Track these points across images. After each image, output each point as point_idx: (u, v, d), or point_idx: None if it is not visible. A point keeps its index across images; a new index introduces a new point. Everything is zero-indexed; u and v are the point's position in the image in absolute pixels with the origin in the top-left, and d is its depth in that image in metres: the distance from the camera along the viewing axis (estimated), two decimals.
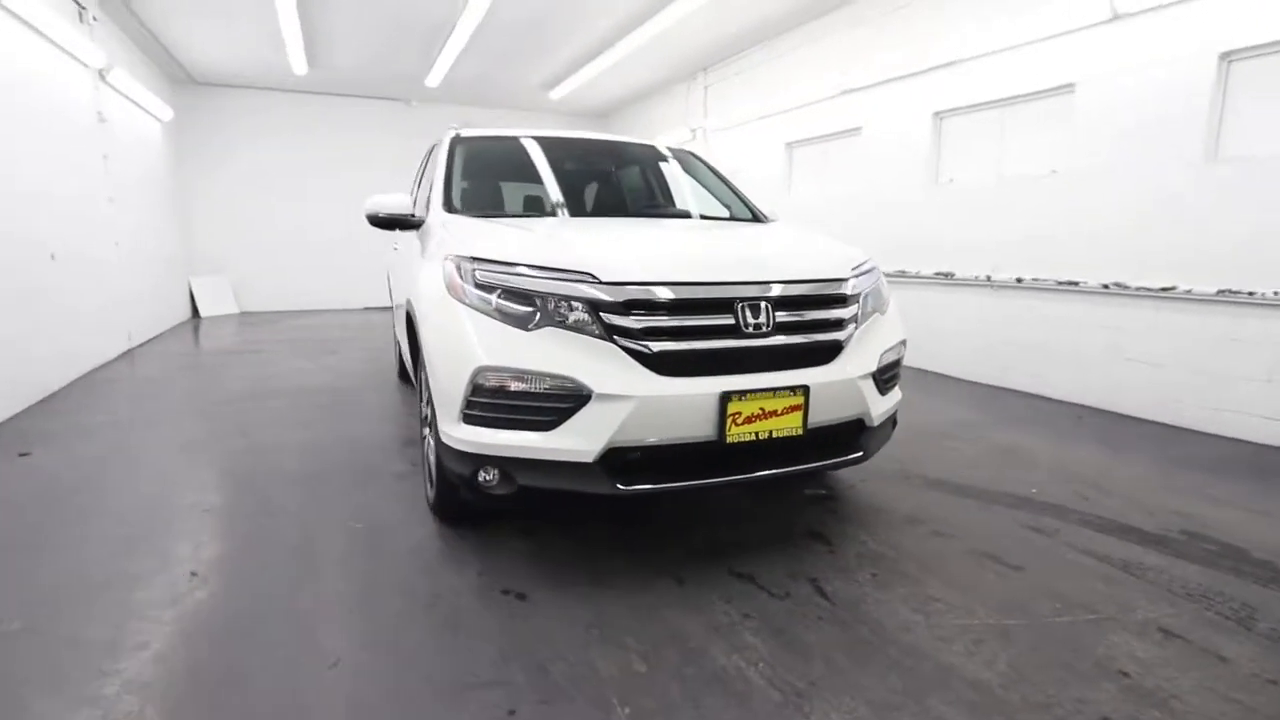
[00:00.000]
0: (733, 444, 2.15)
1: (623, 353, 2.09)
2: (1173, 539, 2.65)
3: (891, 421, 2.72)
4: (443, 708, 1.65)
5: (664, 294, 2.14)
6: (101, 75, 6.23)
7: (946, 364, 5.82)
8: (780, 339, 2.25)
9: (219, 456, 3.55)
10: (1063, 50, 4.73)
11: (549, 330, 2.11)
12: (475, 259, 2.25)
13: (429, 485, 2.79)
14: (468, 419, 2.17)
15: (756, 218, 3.56)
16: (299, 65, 8.27)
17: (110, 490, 3.08)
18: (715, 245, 2.50)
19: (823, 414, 2.29)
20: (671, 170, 3.85)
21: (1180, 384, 4.21)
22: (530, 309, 2.14)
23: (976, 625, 2.05)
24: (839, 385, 2.32)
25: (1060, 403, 4.82)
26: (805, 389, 2.23)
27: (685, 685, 1.75)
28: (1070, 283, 4.76)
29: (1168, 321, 4.27)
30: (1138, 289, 4.37)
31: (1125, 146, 4.42)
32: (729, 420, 2.13)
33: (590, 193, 3.59)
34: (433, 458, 2.52)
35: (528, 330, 2.12)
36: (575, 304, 2.12)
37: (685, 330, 2.14)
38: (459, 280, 2.24)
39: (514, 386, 2.09)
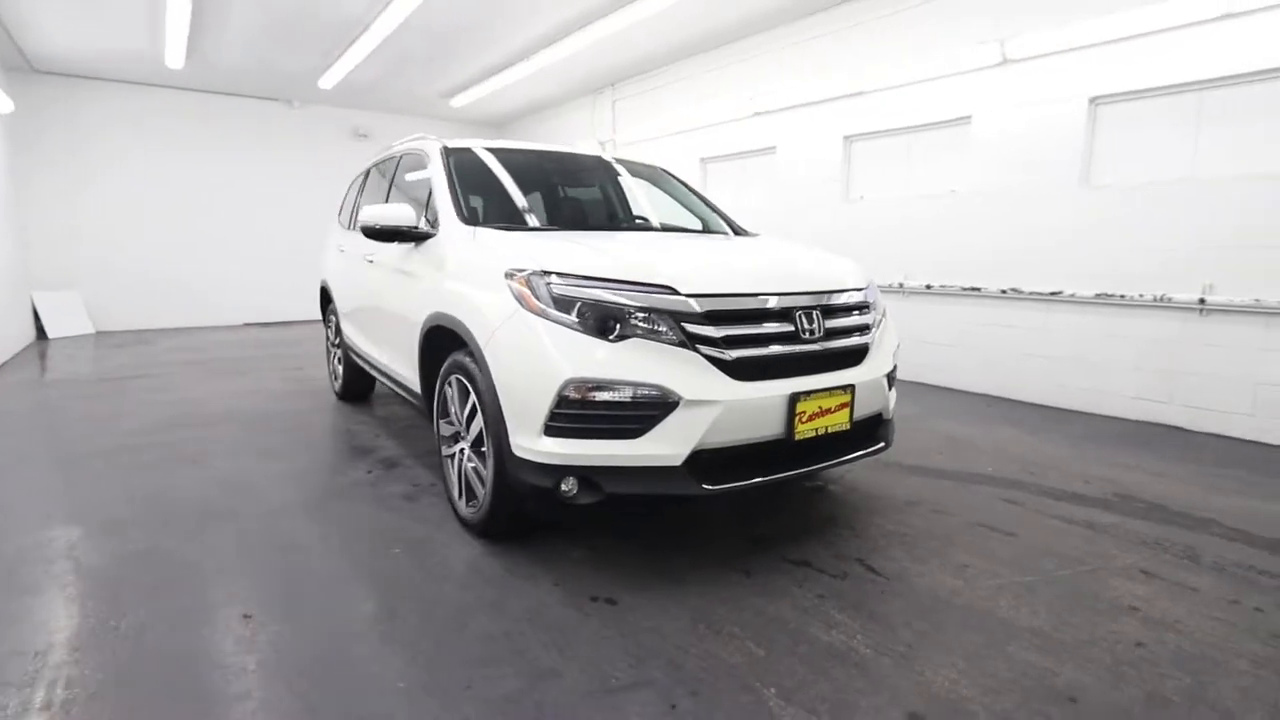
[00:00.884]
0: (799, 440, 2.35)
1: (704, 360, 2.22)
2: (1111, 501, 3.19)
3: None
4: (607, 714, 1.69)
5: (738, 304, 2.30)
6: None
7: None
8: (829, 343, 2.48)
9: (190, 491, 3.21)
10: (960, 87, 5.43)
11: (634, 341, 2.19)
12: (551, 273, 2.27)
13: (463, 502, 2.74)
14: (550, 431, 2.19)
15: (737, 231, 3.80)
16: (175, 58, 7.48)
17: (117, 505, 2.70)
18: (759, 258, 2.68)
19: (861, 410, 2.55)
20: (650, 185, 4.00)
21: (1067, 373, 4.99)
22: (612, 321, 2.21)
23: (1006, 584, 2.39)
24: (872, 383, 2.60)
25: (972, 394, 5.51)
26: (851, 388, 2.48)
27: (807, 662, 1.91)
28: (973, 288, 5.47)
29: (1056, 321, 5.04)
30: (1030, 293, 5.12)
31: (1015, 171, 5.17)
32: (797, 419, 2.33)
33: (593, 207, 3.66)
34: (487, 474, 2.48)
35: (611, 341, 2.19)
36: (657, 315, 2.22)
37: (757, 338, 2.31)
38: (533, 294, 2.26)
39: (601, 397, 2.15)
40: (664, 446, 2.17)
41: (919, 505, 3.11)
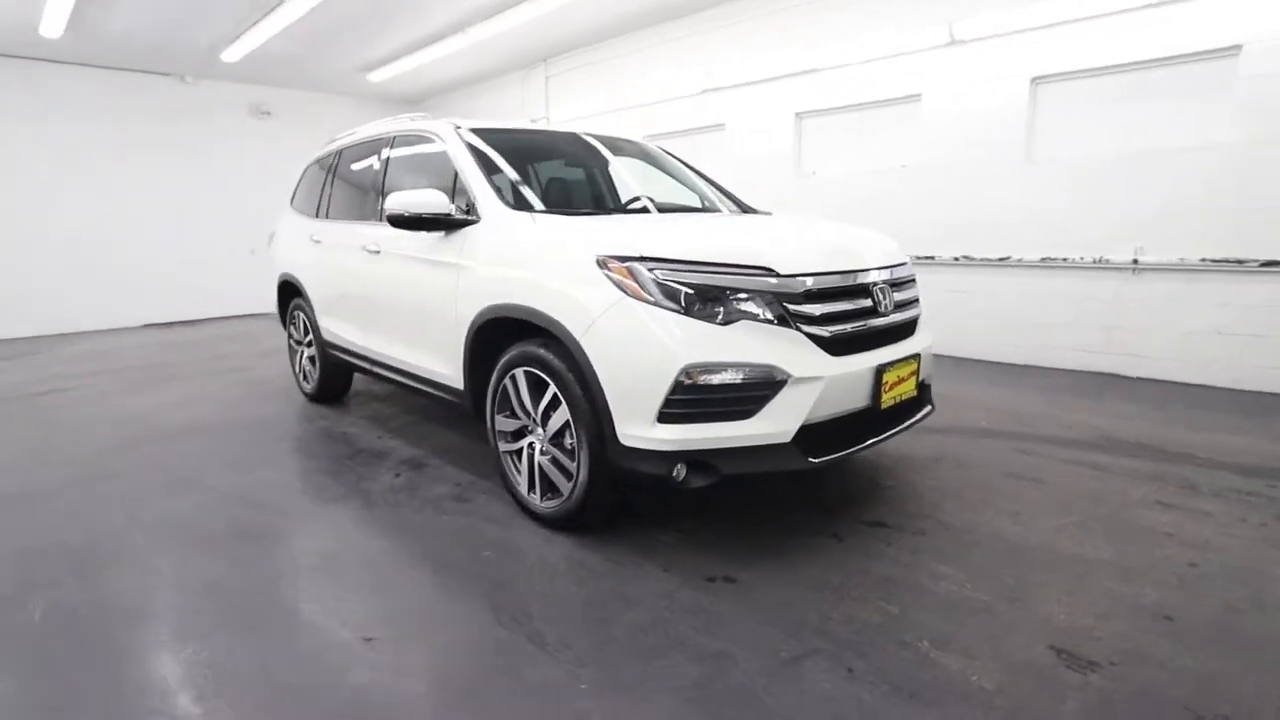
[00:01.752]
0: (884, 409, 2.49)
1: (805, 338, 2.29)
2: (1099, 443, 3.58)
3: None
4: (796, 685, 1.75)
5: (831, 282, 2.39)
6: None
7: None
8: (897, 316, 2.62)
9: (207, 515, 2.92)
10: (911, 66, 5.74)
11: (742, 324, 2.22)
12: (652, 259, 2.25)
13: (536, 497, 2.67)
14: (665, 418, 2.19)
15: (744, 209, 3.87)
16: (53, 27, 6.53)
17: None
18: (822, 237, 2.74)
19: (921, 376, 2.72)
20: (666, 165, 3.97)
21: (1015, 331, 5.48)
22: (719, 305, 2.23)
23: (1059, 525, 2.65)
24: (928, 351, 2.78)
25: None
26: (918, 356, 2.64)
27: (938, 614, 2.06)
28: (927, 257, 5.85)
29: (1004, 284, 5.50)
30: (981, 260, 5.56)
31: (963, 147, 5.55)
32: (883, 389, 2.45)
33: (621, 188, 3.59)
34: (577, 465, 2.44)
35: (720, 325, 2.21)
36: (761, 297, 2.26)
37: (847, 314, 2.41)
38: (636, 282, 2.23)
39: (714, 380, 2.18)
40: (775, 424, 2.23)
41: (943, 461, 3.35)
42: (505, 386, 2.72)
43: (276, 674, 1.84)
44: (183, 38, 7.40)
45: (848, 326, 2.39)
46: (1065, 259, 5.13)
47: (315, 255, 4.29)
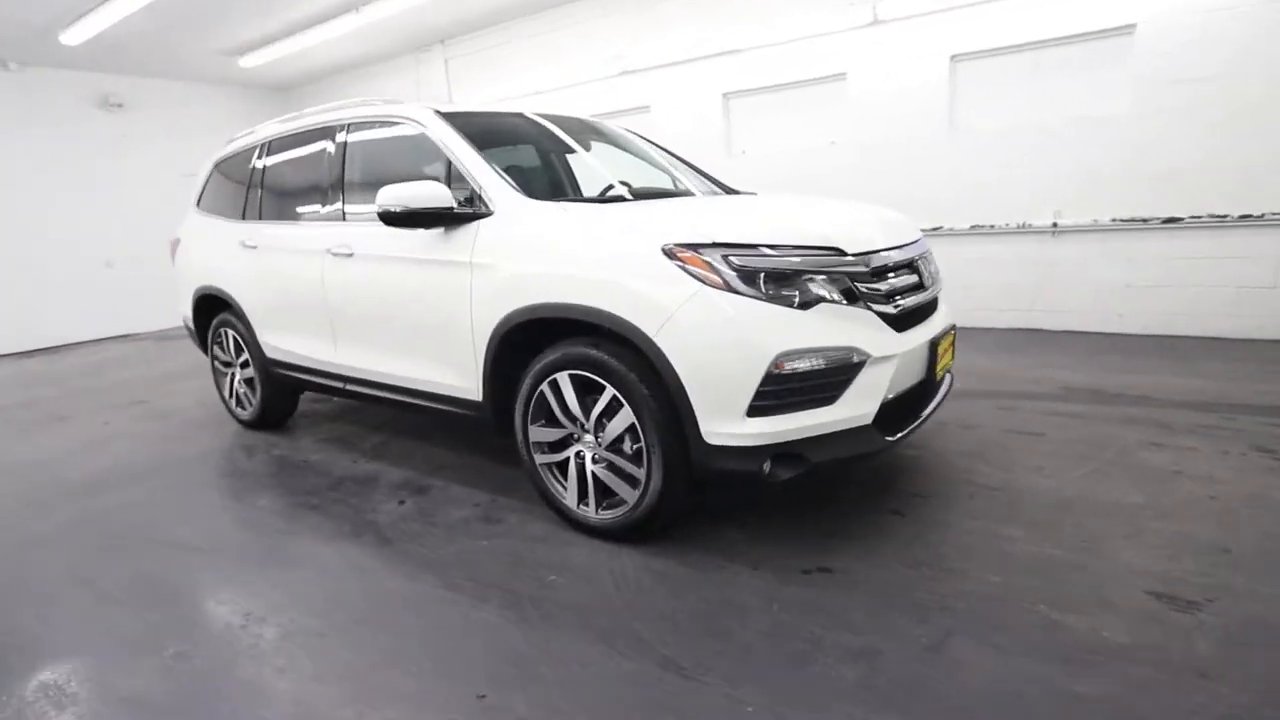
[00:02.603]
0: (935, 381, 2.52)
1: (876, 317, 2.26)
2: (1064, 394, 3.87)
3: None
4: (953, 669, 1.72)
5: (891, 258, 2.37)
6: None
7: None
8: (935, 289, 2.66)
9: (171, 585, 2.47)
10: (835, 45, 5.89)
11: (821, 306, 2.15)
12: (725, 244, 2.12)
13: (589, 508, 2.48)
14: (755, 411, 2.09)
15: (727, 190, 3.81)
16: None
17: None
18: (860, 214, 2.68)
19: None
20: (632, 145, 3.81)
21: (951, 295, 5.81)
22: (794, 288, 2.14)
23: (1083, 475, 2.82)
24: (952, 323, 2.85)
25: None
26: (954, 327, 2.70)
27: (1032, 575, 2.11)
28: None
29: (938, 253, 5.78)
30: None
31: (890, 124, 5.79)
32: (937, 361, 2.49)
33: (615, 172, 3.37)
34: (648, 470, 2.28)
35: (799, 309, 2.13)
36: (831, 277, 2.20)
37: (905, 289, 2.41)
38: (714, 270, 2.09)
39: (800, 367, 2.10)
40: (857, 406, 2.19)
41: (948, 424, 3.49)
42: (543, 393, 2.50)
43: None
44: (7, 15, 6.23)
45: (908, 302, 2.40)
46: (992, 225, 5.51)
47: (249, 263, 3.75)
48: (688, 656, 1.84)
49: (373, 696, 1.76)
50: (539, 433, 2.57)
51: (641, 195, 3.26)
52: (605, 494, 2.46)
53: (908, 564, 2.22)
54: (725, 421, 2.11)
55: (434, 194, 2.56)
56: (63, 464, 3.81)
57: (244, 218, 3.87)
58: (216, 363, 4.30)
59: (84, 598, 2.38)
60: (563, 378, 2.42)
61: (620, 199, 2.95)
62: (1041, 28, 5.06)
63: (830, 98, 6.09)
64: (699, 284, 2.10)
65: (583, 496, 2.51)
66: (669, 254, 2.15)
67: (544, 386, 2.49)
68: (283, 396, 4.06)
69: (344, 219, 3.24)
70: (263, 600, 2.28)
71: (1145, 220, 4.95)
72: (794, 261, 2.16)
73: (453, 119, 2.90)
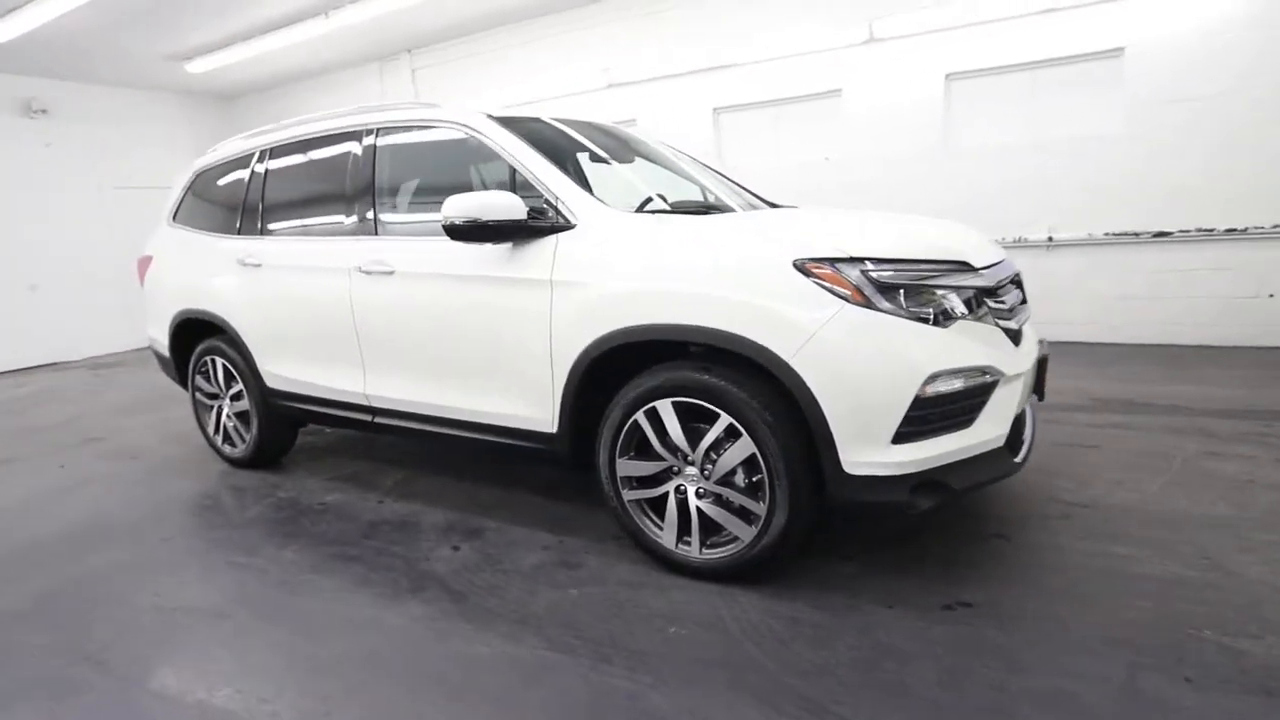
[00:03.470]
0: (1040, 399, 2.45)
1: (1002, 334, 2.16)
2: (1095, 405, 3.91)
3: None
4: (1147, 705, 1.60)
5: (1004, 273, 2.28)
6: None
7: None
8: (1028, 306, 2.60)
9: (192, 672, 2.10)
10: (831, 62, 5.92)
11: (959, 324, 2.03)
12: (867, 259, 1.97)
13: (691, 547, 2.27)
14: (900, 438, 1.93)
15: (770, 205, 3.69)
16: None
17: None
18: (949, 229, 2.59)
19: None
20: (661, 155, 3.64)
21: None
22: (929, 305, 2.01)
23: (1161, 486, 2.80)
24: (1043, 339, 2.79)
25: None
26: (1045, 341, 2.64)
27: (1180, 599, 2.03)
28: None
29: None
30: None
31: (885, 140, 5.85)
32: (1044, 379, 2.41)
33: (661, 185, 3.17)
34: (769, 506, 2.08)
35: (938, 326, 2.00)
36: (960, 292, 2.08)
37: (1017, 304, 2.32)
38: (857, 288, 1.93)
39: (944, 389, 1.96)
40: (992, 429, 2.08)
41: None
42: (637, 422, 2.27)
43: None
44: None
45: (1022, 318, 2.31)
46: None
47: (249, 282, 3.36)
48: (866, 717, 1.65)
49: None
50: (629, 466, 2.34)
51: (682, 209, 3.09)
52: (709, 531, 2.25)
53: (1044, 593, 2.11)
54: (869, 450, 1.95)
55: (508, 205, 2.31)
56: (24, 518, 3.28)
57: (240, 232, 3.47)
58: (199, 394, 3.83)
59: (105, 683, 1.98)
60: (664, 405, 2.21)
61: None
62: (1034, 49, 5.22)
63: (825, 114, 6.12)
64: (841, 301, 1.94)
65: (682, 535, 2.29)
66: (802, 269, 1.98)
67: (639, 415, 2.26)
68: (281, 431, 3.65)
69: (376, 233, 2.92)
70: (336, 680, 1.94)
71: (1137, 234, 5.14)
72: (927, 276, 2.03)
73: (512, 124, 2.66)
